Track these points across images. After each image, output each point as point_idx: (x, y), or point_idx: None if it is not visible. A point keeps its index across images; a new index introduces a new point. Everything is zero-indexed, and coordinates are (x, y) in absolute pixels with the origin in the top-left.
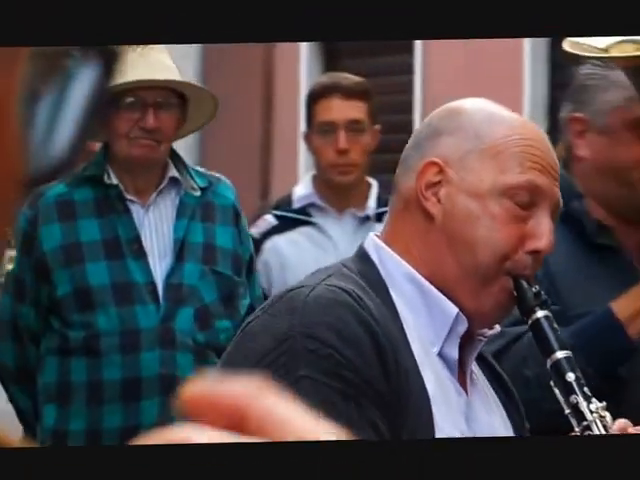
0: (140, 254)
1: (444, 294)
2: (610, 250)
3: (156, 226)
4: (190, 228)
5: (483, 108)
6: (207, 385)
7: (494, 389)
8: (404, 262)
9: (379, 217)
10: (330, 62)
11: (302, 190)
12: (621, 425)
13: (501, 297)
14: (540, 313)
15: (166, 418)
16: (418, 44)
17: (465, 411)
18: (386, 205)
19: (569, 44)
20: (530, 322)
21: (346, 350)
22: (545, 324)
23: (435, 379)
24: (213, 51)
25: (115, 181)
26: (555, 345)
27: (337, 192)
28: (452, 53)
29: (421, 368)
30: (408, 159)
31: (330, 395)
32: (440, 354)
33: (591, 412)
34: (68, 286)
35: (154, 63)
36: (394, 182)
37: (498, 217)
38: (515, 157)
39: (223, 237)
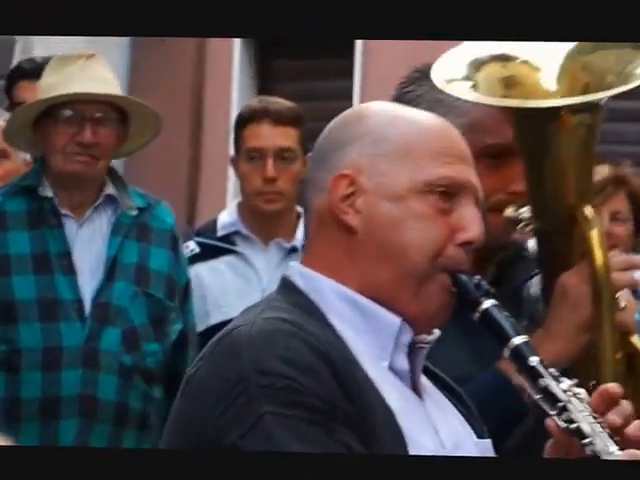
0: (69, 270)
1: (382, 305)
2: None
3: (89, 243)
4: (124, 247)
5: (382, 110)
6: None
7: (444, 395)
8: (333, 282)
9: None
10: (264, 85)
11: (227, 217)
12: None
13: (442, 295)
14: (487, 303)
15: (83, 439)
16: (357, 69)
17: (428, 420)
18: None
19: (441, 83)
20: (478, 314)
21: (302, 378)
22: (495, 312)
23: (396, 392)
24: (140, 69)
25: (50, 194)
26: (510, 332)
27: (263, 221)
28: (391, 80)
29: (378, 384)
30: (315, 178)
31: (298, 426)
32: (391, 367)
33: (564, 391)
34: None
35: (94, 77)
36: (303, 205)
37: (422, 215)
38: (427, 152)
39: (158, 260)
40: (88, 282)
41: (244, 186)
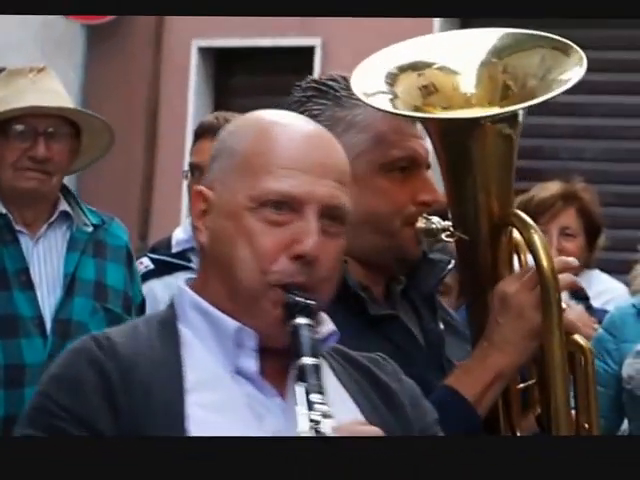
0: (28, 286)
1: (228, 315)
2: (384, 317)
3: (45, 259)
4: (81, 263)
5: (243, 123)
6: None
7: (364, 392)
8: (193, 294)
9: None
10: (220, 100)
11: (181, 234)
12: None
13: (274, 311)
14: (300, 320)
15: None
16: None
17: (279, 421)
18: None
19: (362, 96)
20: (291, 326)
21: (60, 394)
22: (304, 330)
23: (219, 396)
24: (95, 84)
25: (3, 210)
26: (308, 351)
27: None
28: None
29: (194, 390)
30: None
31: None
32: (239, 372)
33: (310, 419)
34: None
35: (46, 90)
36: None
37: (252, 231)
38: (264, 166)
39: (114, 276)
40: (47, 298)
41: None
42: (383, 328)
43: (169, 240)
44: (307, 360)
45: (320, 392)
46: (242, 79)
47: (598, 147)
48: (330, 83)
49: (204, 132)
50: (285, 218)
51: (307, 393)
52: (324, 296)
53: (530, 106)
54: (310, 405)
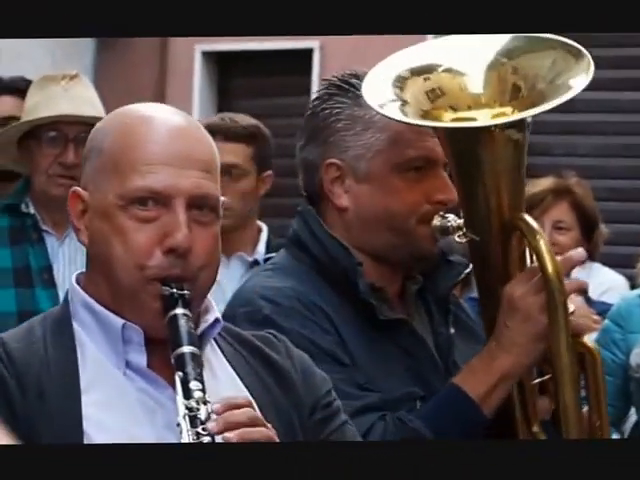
0: (50, 284)
1: (113, 312)
2: (393, 322)
3: (69, 259)
4: None
5: (110, 120)
6: None
7: (255, 373)
8: (80, 291)
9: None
10: (224, 102)
11: None
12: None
13: (154, 304)
14: (178, 310)
15: None
16: (315, 86)
17: (171, 413)
18: (276, 250)
19: (375, 106)
20: (167, 317)
21: None
22: (181, 320)
23: (111, 394)
24: (101, 89)
25: (32, 210)
26: (185, 340)
27: (223, 236)
28: None
29: (88, 389)
30: None
31: None
32: (130, 367)
33: (186, 407)
34: None
35: (78, 98)
36: None
37: (123, 229)
38: (129, 163)
39: None
40: None
41: None
42: (392, 332)
43: None
44: (184, 349)
45: (198, 379)
46: (244, 81)
47: (591, 143)
48: (352, 81)
49: (211, 133)
50: (154, 213)
51: (184, 381)
52: (203, 284)
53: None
54: (187, 393)
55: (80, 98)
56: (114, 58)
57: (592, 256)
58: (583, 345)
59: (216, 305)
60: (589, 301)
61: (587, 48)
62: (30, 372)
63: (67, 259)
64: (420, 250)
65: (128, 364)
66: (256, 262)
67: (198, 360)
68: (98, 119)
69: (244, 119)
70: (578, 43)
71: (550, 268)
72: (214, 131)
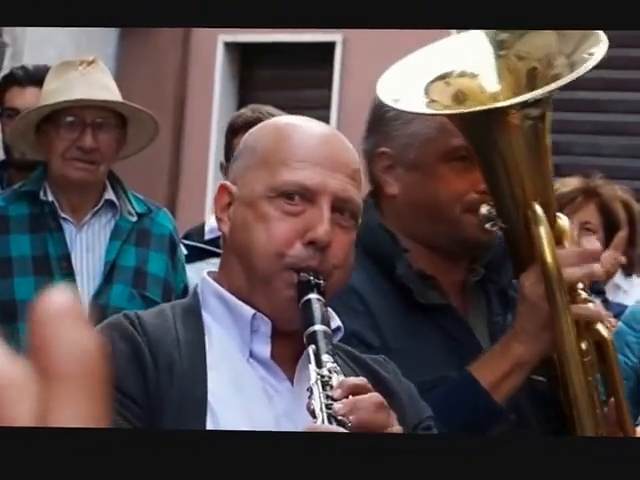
0: (68, 272)
1: (244, 301)
2: (437, 307)
3: (87, 246)
4: (122, 251)
5: (264, 125)
6: None
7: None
8: (213, 282)
9: None
10: (245, 93)
11: (214, 221)
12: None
13: (286, 291)
14: (313, 295)
15: None
16: (336, 79)
17: (287, 402)
18: None
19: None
20: (302, 301)
21: None
22: (315, 303)
23: (235, 375)
24: (123, 77)
25: (50, 198)
26: (318, 319)
27: None
28: (369, 91)
29: (213, 367)
30: None
31: None
32: (253, 356)
33: (318, 374)
34: None
35: (95, 83)
36: None
37: (268, 217)
38: (279, 160)
39: (155, 264)
40: (87, 285)
41: None
42: (436, 317)
43: (202, 227)
44: (317, 327)
45: (329, 354)
46: (266, 73)
47: (617, 143)
48: None
49: (244, 125)
50: (299, 208)
51: (317, 354)
52: (335, 283)
53: (557, 86)
54: (319, 363)
55: (97, 83)
56: (137, 46)
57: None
58: (597, 333)
59: None
60: (606, 302)
61: (619, 48)
62: (162, 346)
63: (85, 247)
64: (465, 238)
65: (251, 353)
66: None
67: (330, 339)
68: (115, 103)
69: (277, 112)
70: (612, 44)
71: (547, 256)
72: (250, 124)
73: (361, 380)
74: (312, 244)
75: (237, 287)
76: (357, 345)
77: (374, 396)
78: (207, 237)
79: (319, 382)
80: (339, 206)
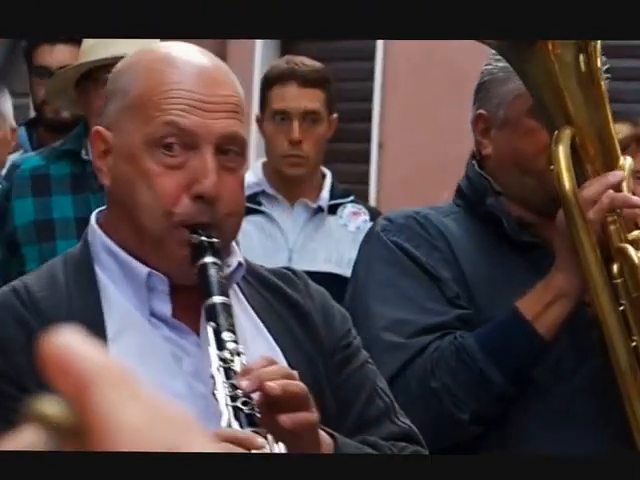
0: None
1: (136, 258)
2: (534, 247)
3: None
4: None
5: (137, 59)
6: (67, 343)
7: (277, 315)
8: (102, 235)
9: (332, 209)
10: (286, 44)
11: (252, 177)
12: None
13: (179, 250)
14: (208, 259)
15: None
16: (379, 50)
17: (196, 360)
18: (341, 196)
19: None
20: (197, 266)
21: None
22: (211, 269)
23: (140, 342)
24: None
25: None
26: (216, 289)
27: (288, 183)
28: (412, 61)
29: (116, 338)
30: None
31: None
32: (154, 315)
33: (220, 359)
34: (37, 263)
35: (137, 40)
36: None
37: (149, 173)
38: (155, 103)
39: None
40: None
41: (270, 148)
42: (529, 256)
43: None
44: (216, 299)
45: (230, 330)
46: (308, 45)
47: None
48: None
49: (283, 79)
50: (181, 159)
51: (217, 332)
52: (230, 232)
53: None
54: (220, 344)
55: (135, 40)
56: None
57: None
58: (624, 256)
59: (279, 251)
60: None
61: None
62: (57, 323)
63: None
64: (552, 192)
65: (152, 312)
66: (320, 209)
67: (229, 310)
68: None
69: (313, 63)
70: None
71: (565, 184)
72: (287, 76)
73: (264, 360)
74: (200, 198)
75: (127, 244)
76: (420, 277)
77: (281, 367)
78: (245, 193)
79: (221, 370)
80: (223, 148)
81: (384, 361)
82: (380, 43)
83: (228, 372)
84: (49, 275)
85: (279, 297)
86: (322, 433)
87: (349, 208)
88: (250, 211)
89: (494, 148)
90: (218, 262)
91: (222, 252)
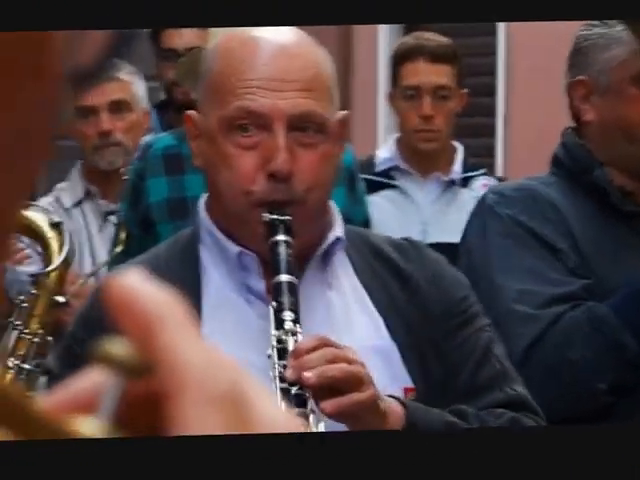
0: None
1: (230, 237)
2: (637, 216)
3: None
4: None
5: (216, 42)
6: (132, 284)
7: (384, 286)
8: (205, 214)
9: (464, 182)
10: (408, 28)
11: (385, 153)
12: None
13: (260, 229)
14: (279, 237)
15: None
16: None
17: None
18: (472, 169)
19: None
20: (269, 244)
21: (85, 334)
22: (280, 247)
23: (234, 319)
24: None
25: None
26: (282, 268)
27: (421, 157)
28: (536, 57)
29: (212, 314)
30: None
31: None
32: (250, 292)
33: (276, 339)
34: None
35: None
36: None
37: (227, 155)
38: (228, 86)
39: (334, 197)
40: None
41: (402, 123)
42: (633, 225)
43: (372, 159)
44: (281, 277)
45: (292, 309)
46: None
47: None
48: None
49: (412, 54)
50: (255, 139)
51: (277, 311)
52: (311, 206)
53: None
54: (278, 323)
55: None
56: None
57: None
58: None
59: (413, 225)
60: None
61: None
62: None
63: None
64: None
65: (249, 289)
66: (452, 182)
67: (294, 289)
68: None
69: (441, 38)
70: None
71: None
72: (417, 52)
73: (316, 340)
74: (273, 176)
75: (221, 223)
76: (540, 248)
77: (327, 351)
78: (378, 169)
79: (275, 350)
80: (298, 125)
81: (518, 332)
82: (501, 60)
83: (281, 352)
84: (153, 257)
85: (388, 267)
86: (391, 404)
87: (481, 180)
88: (383, 185)
89: (596, 114)
90: (289, 240)
91: (303, 228)
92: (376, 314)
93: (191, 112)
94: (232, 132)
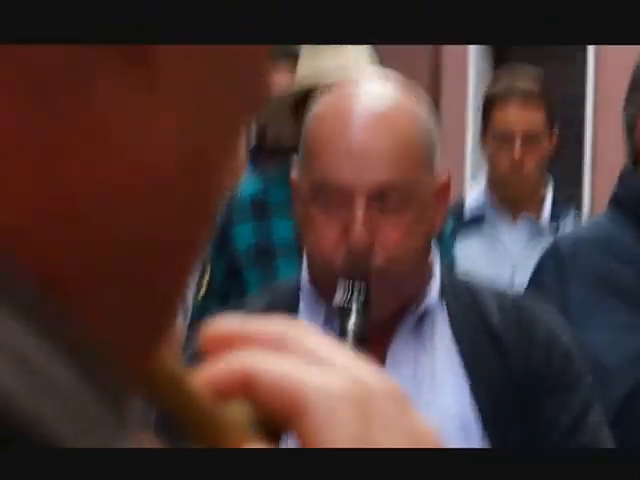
0: None
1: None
2: None
3: None
4: None
5: (317, 106)
6: (233, 324)
7: (474, 342)
8: (305, 272)
9: (554, 220)
10: (499, 53)
11: (476, 194)
12: None
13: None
14: (347, 325)
15: None
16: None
17: None
18: (562, 210)
19: None
20: (340, 329)
21: None
22: (348, 335)
23: None
24: (379, 49)
25: None
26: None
27: (511, 200)
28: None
29: None
30: None
31: None
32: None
33: None
34: (258, 286)
35: (347, 66)
36: None
37: (314, 221)
38: (315, 154)
39: None
40: None
41: (491, 166)
42: None
43: (461, 202)
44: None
45: None
46: (519, 49)
47: None
48: None
49: (502, 96)
50: (338, 208)
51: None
52: (395, 277)
53: None
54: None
55: (348, 65)
56: None
57: None
58: None
59: (503, 267)
60: None
61: None
62: None
63: None
64: None
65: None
66: (542, 230)
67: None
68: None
69: (531, 76)
70: None
71: None
72: (508, 95)
73: None
74: (351, 249)
75: (313, 278)
76: (620, 300)
77: None
78: (469, 215)
79: None
80: (380, 195)
81: (610, 385)
82: (591, 50)
83: None
84: (251, 299)
85: (484, 325)
86: None
87: (570, 220)
88: (474, 227)
89: None
90: (355, 328)
91: (385, 300)
92: (461, 378)
93: (293, 174)
94: (319, 199)
